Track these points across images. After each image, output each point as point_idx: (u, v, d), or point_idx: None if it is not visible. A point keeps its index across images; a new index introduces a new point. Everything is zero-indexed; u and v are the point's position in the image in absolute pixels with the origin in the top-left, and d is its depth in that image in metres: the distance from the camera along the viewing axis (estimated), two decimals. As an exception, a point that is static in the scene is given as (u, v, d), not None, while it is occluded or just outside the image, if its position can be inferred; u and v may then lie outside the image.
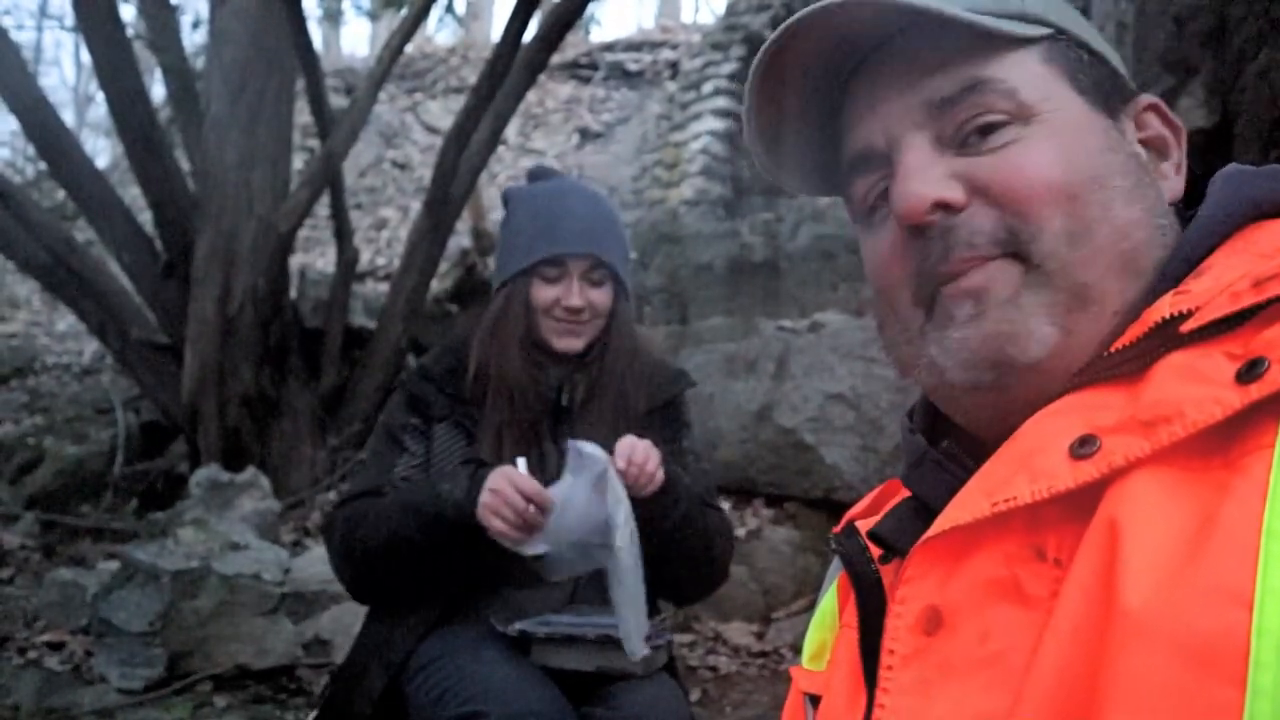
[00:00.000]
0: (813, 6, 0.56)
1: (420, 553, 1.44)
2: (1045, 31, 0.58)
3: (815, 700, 0.63)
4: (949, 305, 0.55)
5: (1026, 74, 0.57)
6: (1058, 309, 0.53)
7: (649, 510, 1.41)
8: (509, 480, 1.39)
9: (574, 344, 1.57)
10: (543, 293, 1.56)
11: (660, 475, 1.43)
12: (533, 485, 1.39)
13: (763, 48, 0.59)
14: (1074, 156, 0.55)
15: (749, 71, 0.60)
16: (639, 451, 1.42)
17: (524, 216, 1.60)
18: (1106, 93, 0.59)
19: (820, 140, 0.64)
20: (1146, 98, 0.61)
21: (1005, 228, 0.54)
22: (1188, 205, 0.58)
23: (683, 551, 1.50)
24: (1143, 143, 0.60)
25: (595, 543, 1.38)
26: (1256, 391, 0.43)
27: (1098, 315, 0.53)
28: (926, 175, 0.55)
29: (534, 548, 1.41)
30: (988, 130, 0.56)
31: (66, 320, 7.63)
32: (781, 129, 0.63)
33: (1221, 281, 0.49)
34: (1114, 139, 0.58)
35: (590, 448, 1.39)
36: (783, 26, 0.58)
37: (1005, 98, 0.56)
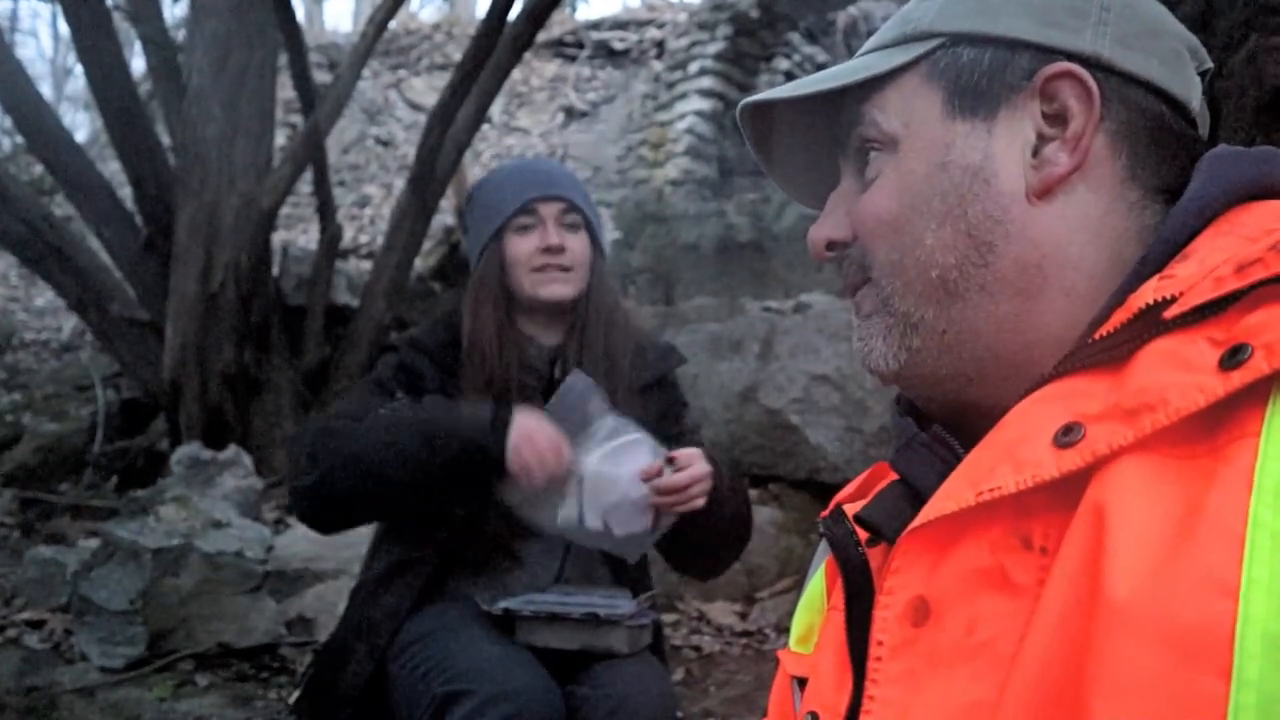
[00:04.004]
0: (742, 103, 0.64)
1: (415, 471, 1.35)
2: (925, 49, 0.58)
3: (803, 683, 0.63)
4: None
5: (899, 100, 0.59)
6: (894, 333, 0.58)
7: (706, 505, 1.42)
8: (541, 428, 1.36)
9: (563, 290, 1.52)
10: (519, 245, 1.52)
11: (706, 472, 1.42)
12: (557, 440, 1.36)
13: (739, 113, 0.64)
14: (906, 186, 0.58)
15: (738, 115, 0.65)
16: (696, 469, 1.40)
17: (489, 189, 1.60)
18: (984, 90, 0.57)
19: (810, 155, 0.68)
20: (1055, 66, 0.55)
21: (862, 258, 0.60)
22: (1178, 187, 0.57)
23: (723, 524, 1.48)
24: (1050, 118, 0.56)
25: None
26: (1239, 379, 0.42)
27: (927, 337, 0.57)
28: (826, 220, 0.63)
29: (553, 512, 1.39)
30: (867, 163, 0.60)
31: (45, 296, 7.55)
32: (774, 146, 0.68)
33: (1206, 265, 0.48)
34: (959, 150, 0.57)
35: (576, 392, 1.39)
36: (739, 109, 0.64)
37: (872, 127, 0.59)
